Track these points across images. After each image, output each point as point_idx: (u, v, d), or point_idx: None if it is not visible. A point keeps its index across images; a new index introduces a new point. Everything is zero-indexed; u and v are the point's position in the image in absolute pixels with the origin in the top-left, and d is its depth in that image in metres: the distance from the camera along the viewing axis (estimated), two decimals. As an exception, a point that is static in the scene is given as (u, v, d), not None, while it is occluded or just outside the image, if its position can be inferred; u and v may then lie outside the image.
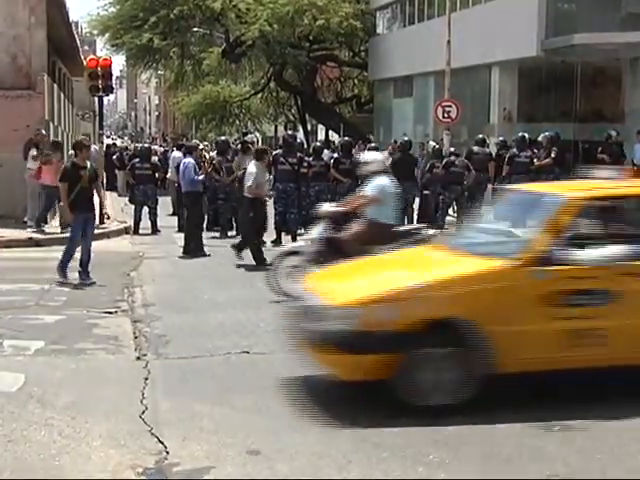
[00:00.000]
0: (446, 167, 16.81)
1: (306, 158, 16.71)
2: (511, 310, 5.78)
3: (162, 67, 43.08)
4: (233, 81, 44.96)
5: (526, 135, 17.80)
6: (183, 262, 12.82)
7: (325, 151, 19.96)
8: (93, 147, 15.87)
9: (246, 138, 15.94)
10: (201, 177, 13.60)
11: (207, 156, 16.74)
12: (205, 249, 13.48)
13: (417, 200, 17.70)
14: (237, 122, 47.10)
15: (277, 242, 14.78)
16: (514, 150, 17.54)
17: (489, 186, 17.41)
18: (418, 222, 17.63)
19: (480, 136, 19.39)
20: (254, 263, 12.02)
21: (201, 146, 15.60)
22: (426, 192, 18.10)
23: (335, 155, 17.97)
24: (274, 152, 16.68)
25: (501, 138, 20.35)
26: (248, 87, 44.40)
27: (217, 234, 16.24)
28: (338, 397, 6.05)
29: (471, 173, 17.00)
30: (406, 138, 18.79)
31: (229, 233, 16.09)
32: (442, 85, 22.25)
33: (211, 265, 12.50)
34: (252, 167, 12.26)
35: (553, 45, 21.29)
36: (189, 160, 13.66)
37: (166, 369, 6.80)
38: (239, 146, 15.24)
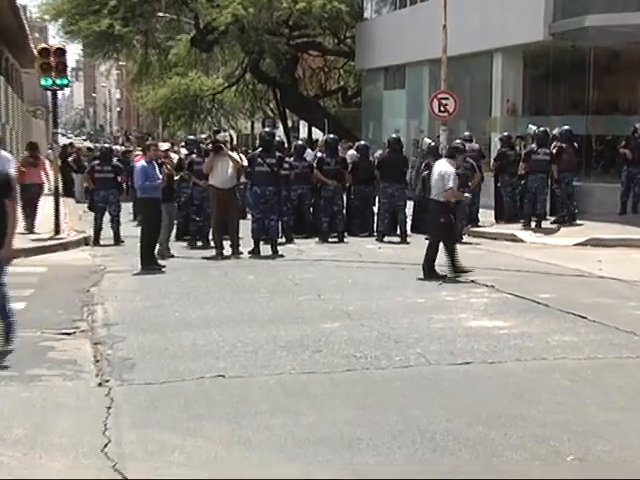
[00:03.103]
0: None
1: (287, 158, 16.74)
2: None
3: (124, 57, 43.11)
4: (204, 72, 44.95)
5: (548, 129, 17.96)
6: (150, 276, 12.79)
7: (308, 150, 19.99)
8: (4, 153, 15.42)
9: (218, 136, 15.91)
10: (158, 181, 13.52)
11: (174, 157, 16.70)
12: (162, 262, 13.58)
13: (409, 206, 17.75)
14: (209, 118, 47.08)
15: (255, 252, 14.80)
16: (532, 146, 17.69)
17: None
18: (413, 230, 17.78)
19: (467, 133, 19.62)
20: (233, 275, 11.98)
21: (165, 146, 15.54)
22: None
23: (319, 154, 18.02)
24: (250, 152, 16.71)
25: (505, 133, 20.44)
26: (221, 79, 44.44)
27: (187, 244, 16.28)
28: (324, 425, 6.05)
29: (477, 174, 17.09)
30: (395, 135, 18.85)
31: (198, 243, 16.13)
32: (438, 75, 22.32)
33: (182, 279, 12.48)
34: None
35: (562, 28, 21.38)
36: (140, 163, 13.61)
37: (131, 396, 6.77)
38: (211, 146, 15.18)
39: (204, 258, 14.66)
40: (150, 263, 13.23)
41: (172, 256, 14.69)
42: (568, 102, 23.18)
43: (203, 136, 20.59)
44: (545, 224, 18.00)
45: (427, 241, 12.77)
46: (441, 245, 12.17)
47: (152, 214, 13.47)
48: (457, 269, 12.21)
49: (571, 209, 18.33)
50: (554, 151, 17.83)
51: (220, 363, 7.62)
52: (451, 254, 12.22)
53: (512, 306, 10.20)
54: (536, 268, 13.17)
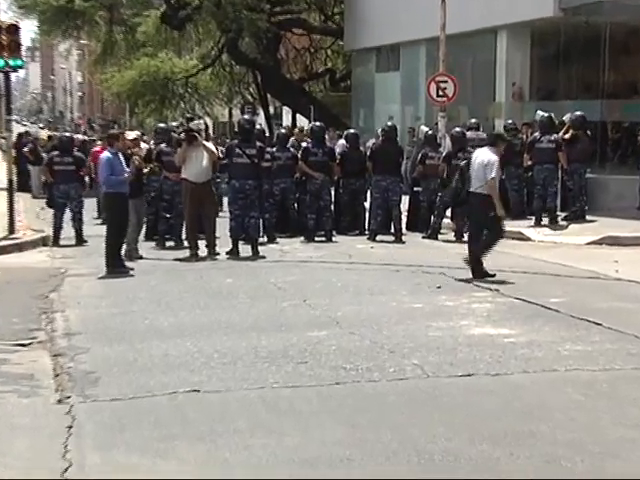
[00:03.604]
0: (448, 158, 16.90)
1: (268, 149, 16.74)
2: None
3: (86, 35, 43.01)
4: (176, 53, 44.91)
5: (552, 115, 17.99)
6: (116, 280, 12.78)
7: (292, 140, 20.00)
8: None
9: (191, 125, 15.91)
10: (126, 175, 13.51)
11: (144, 147, 16.68)
12: (130, 264, 13.59)
13: (405, 201, 17.79)
14: (182, 104, 47.04)
15: (233, 252, 14.81)
16: (536, 134, 17.74)
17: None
18: (408, 228, 17.82)
19: (473, 120, 19.59)
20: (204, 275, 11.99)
21: (132, 135, 15.52)
22: (417, 189, 18.20)
23: (304, 144, 18.02)
24: (228, 141, 16.72)
25: (509, 121, 20.50)
26: (195, 60, 44.39)
27: (157, 244, 16.28)
28: (310, 445, 6.05)
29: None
30: (390, 123, 18.87)
31: (170, 243, 16.13)
32: (436, 56, 22.36)
33: (152, 283, 12.48)
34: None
35: (574, 2, 21.45)
36: (105, 154, 13.58)
37: (95, 414, 6.76)
38: (183, 135, 15.15)
39: (177, 260, 14.65)
40: (117, 265, 13.21)
41: (141, 257, 14.68)
42: (581, 85, 23.25)
43: (174, 124, 20.54)
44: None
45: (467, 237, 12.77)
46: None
47: (119, 211, 13.45)
48: (477, 271, 12.30)
49: (582, 204, 18.40)
50: (566, 136, 17.88)
51: (195, 376, 7.61)
52: (480, 251, 12.30)
53: (518, 312, 10.22)
54: (545, 269, 13.21)
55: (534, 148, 17.84)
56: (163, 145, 16.41)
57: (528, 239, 16.86)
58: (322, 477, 5.53)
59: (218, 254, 14.80)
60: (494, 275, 12.21)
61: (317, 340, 8.82)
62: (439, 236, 17.18)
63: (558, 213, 18.23)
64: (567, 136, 17.97)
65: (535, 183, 17.97)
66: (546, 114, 18.10)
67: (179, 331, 9.32)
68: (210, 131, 24.74)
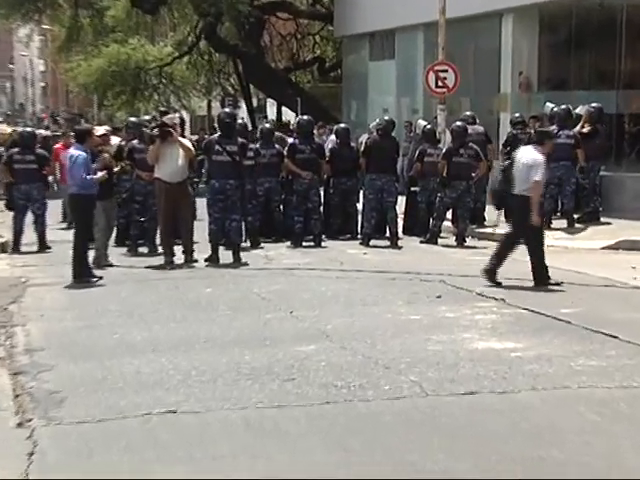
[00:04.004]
0: (449, 155, 16.92)
1: (251, 145, 16.74)
2: None
3: (48, 19, 42.84)
4: (149, 40, 44.88)
5: (570, 107, 18.04)
6: (84, 291, 12.76)
7: (278, 134, 20.00)
8: None
9: (165, 119, 15.88)
10: (99, 175, 13.48)
11: (113, 143, 16.62)
12: (99, 273, 13.56)
13: (401, 202, 17.81)
14: (156, 96, 46.99)
15: (213, 259, 14.80)
16: (553, 127, 17.80)
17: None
18: (404, 232, 17.83)
19: (468, 112, 19.61)
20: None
21: (101, 131, 15.48)
22: (414, 189, 18.23)
23: (291, 140, 18.02)
24: (207, 137, 16.71)
25: (516, 114, 20.54)
26: (170, 48, 44.36)
27: (128, 250, 16.26)
28: (298, 470, 6.05)
29: (482, 163, 17.19)
30: (387, 117, 18.89)
31: (143, 249, 16.12)
32: (435, 42, 22.39)
33: (123, 294, 12.46)
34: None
35: (586, -17, 21.53)
36: (78, 152, 13.53)
37: (60, 439, 6.74)
38: (157, 130, 15.11)
39: (150, 267, 14.63)
40: (84, 274, 13.19)
41: (111, 265, 14.66)
42: (594, 74, 23.30)
43: (147, 118, 20.51)
44: (561, 223, 18.07)
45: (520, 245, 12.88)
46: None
47: (89, 214, 13.46)
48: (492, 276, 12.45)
49: (596, 205, 18.44)
50: (584, 130, 17.92)
51: (171, 396, 7.60)
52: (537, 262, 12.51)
53: (526, 324, 10.24)
54: (555, 277, 13.22)
55: None
56: (135, 141, 16.36)
57: (537, 243, 16.86)
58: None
59: (196, 261, 14.78)
60: (560, 283, 12.34)
61: (305, 355, 8.81)
62: (439, 241, 17.20)
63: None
64: (585, 130, 18.01)
65: (548, 182, 17.96)
66: (563, 106, 18.13)
67: (153, 346, 9.31)
68: (187, 126, 24.71)
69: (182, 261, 14.74)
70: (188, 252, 14.81)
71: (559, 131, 17.71)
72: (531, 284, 12.59)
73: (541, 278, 12.42)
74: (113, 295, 12.38)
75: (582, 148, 17.67)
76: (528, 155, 12.48)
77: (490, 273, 12.49)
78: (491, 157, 18.30)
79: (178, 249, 14.86)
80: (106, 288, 12.91)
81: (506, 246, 12.73)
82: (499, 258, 12.61)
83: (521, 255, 14.79)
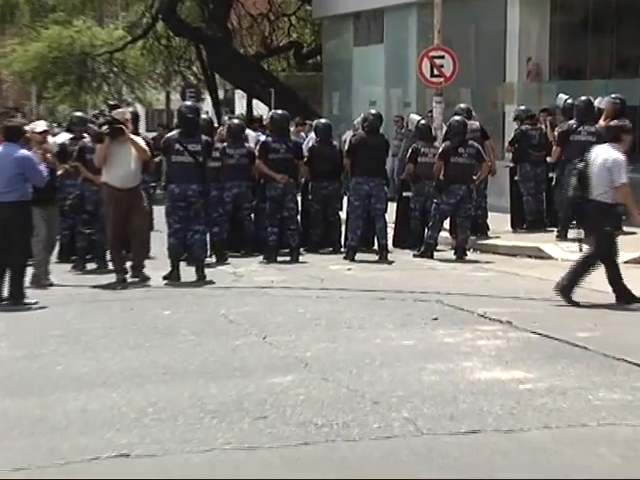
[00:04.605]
0: (446, 155, 16.93)
1: (218, 144, 16.73)
2: None
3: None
4: (96, 20, 44.87)
5: (592, 99, 18.08)
6: (21, 314, 12.72)
7: (249, 132, 20.00)
8: None
9: (115, 113, 15.82)
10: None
11: (51, 141, 16.54)
12: (40, 293, 13.53)
13: (392, 210, 17.82)
14: (105, 87, 46.99)
15: (173, 277, 14.75)
16: (572, 122, 17.83)
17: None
18: (395, 244, 17.84)
19: (463, 105, 19.61)
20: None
21: (42, 127, 15.40)
22: (406, 194, 18.25)
23: (263, 138, 18.01)
24: (166, 135, 16.67)
25: (522, 107, 20.58)
26: (121, 31, 44.37)
27: (74, 266, 16.21)
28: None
29: (484, 164, 17.22)
30: (373, 111, 18.89)
31: (91, 265, 16.09)
32: (430, 24, 22.44)
33: (67, 317, 12.42)
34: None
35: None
36: (26, 152, 13.42)
37: (-7, 488, 6.71)
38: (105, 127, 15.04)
39: (99, 287, 14.59)
40: (21, 296, 13.13)
41: (51, 284, 14.60)
42: (615, 61, 23.38)
43: (95, 113, 20.49)
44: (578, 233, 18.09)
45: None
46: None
47: (28, 224, 13.42)
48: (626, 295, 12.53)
49: (620, 212, 18.47)
50: (612, 124, 17.94)
51: (123, 437, 7.55)
52: (613, 276, 12.57)
53: (537, 350, 10.24)
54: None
55: (567, 140, 17.89)
56: (87, 139, 16.25)
57: (549, 257, 16.91)
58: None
59: (148, 279, 14.70)
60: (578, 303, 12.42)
61: (280, 388, 8.79)
62: (435, 254, 17.20)
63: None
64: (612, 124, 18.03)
65: (564, 185, 17.95)
66: (583, 97, 18.16)
67: (102, 379, 9.25)
68: (142, 122, 24.65)
69: (137, 280, 14.69)
70: (137, 268, 14.71)
71: (579, 127, 17.76)
72: (543, 304, 12.61)
73: (622, 294, 12.46)
74: (56, 319, 12.33)
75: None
76: (605, 155, 12.53)
77: (565, 291, 12.48)
78: (490, 156, 18.25)
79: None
80: (48, 311, 12.86)
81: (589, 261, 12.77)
82: (583, 272, 12.65)
83: (526, 270, 14.81)
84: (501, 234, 18.78)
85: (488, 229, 18.74)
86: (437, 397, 8.47)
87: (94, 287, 14.61)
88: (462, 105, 19.91)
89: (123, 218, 14.65)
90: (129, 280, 14.65)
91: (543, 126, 19.64)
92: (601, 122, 18.03)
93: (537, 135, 19.10)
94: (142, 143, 15.19)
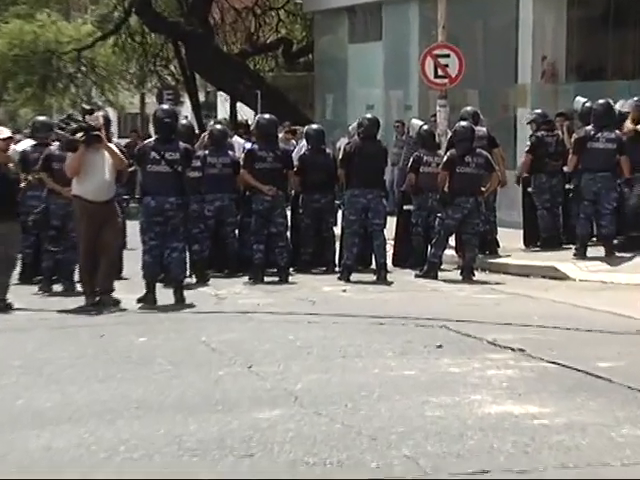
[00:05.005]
0: (451, 164, 16.93)
1: (199, 152, 16.72)
2: None
3: None
4: (63, 15, 44.91)
5: (611, 102, 18.09)
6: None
7: (235, 139, 20.01)
8: None
9: (89, 119, 15.81)
10: None
11: (12, 149, 16.53)
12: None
13: (391, 225, 17.82)
14: (72, 89, 46.99)
15: (148, 299, 14.72)
16: (589, 129, 17.84)
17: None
18: (395, 263, 17.83)
19: (470, 109, 19.59)
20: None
21: (6, 133, 15.40)
22: (407, 208, 18.26)
23: (248, 145, 18.01)
24: (140, 142, 16.67)
25: (538, 111, 20.59)
26: (90, 26, 44.41)
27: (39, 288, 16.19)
28: None
29: (494, 174, 17.21)
30: (370, 115, 18.90)
31: (57, 287, 16.06)
32: (433, 19, 22.48)
33: (29, 346, 12.39)
34: None
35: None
36: None
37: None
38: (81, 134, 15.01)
39: (66, 311, 14.56)
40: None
41: (10, 308, 14.55)
42: (639, 59, 23.40)
43: (63, 117, 20.44)
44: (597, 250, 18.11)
45: None
46: None
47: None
48: None
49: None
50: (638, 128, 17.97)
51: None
52: None
53: (553, 381, 10.23)
54: (590, 320, 13.24)
55: (585, 148, 17.87)
56: (54, 147, 16.20)
57: (566, 277, 16.92)
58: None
59: (118, 302, 14.63)
60: None
61: (267, 424, 8.76)
62: (439, 274, 17.19)
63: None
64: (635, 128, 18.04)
65: (582, 198, 17.93)
66: (601, 101, 18.16)
67: (68, 414, 9.20)
68: (113, 127, 24.64)
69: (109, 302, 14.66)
70: (105, 290, 14.60)
71: (597, 133, 17.73)
72: (560, 331, 12.61)
73: None
74: (16, 347, 12.29)
75: (626, 155, 17.68)
76: None
77: None
78: (500, 165, 18.21)
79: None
80: (7, 338, 12.84)
81: None
82: None
83: (540, 292, 14.82)
84: (512, 252, 18.79)
85: (498, 246, 18.75)
86: (442, 433, 8.45)
87: (60, 311, 14.59)
88: (469, 109, 19.91)
89: (96, 234, 14.60)
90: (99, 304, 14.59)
91: (560, 132, 19.63)
92: (628, 124, 18.02)
93: (554, 142, 19.10)
94: (117, 151, 15.11)
